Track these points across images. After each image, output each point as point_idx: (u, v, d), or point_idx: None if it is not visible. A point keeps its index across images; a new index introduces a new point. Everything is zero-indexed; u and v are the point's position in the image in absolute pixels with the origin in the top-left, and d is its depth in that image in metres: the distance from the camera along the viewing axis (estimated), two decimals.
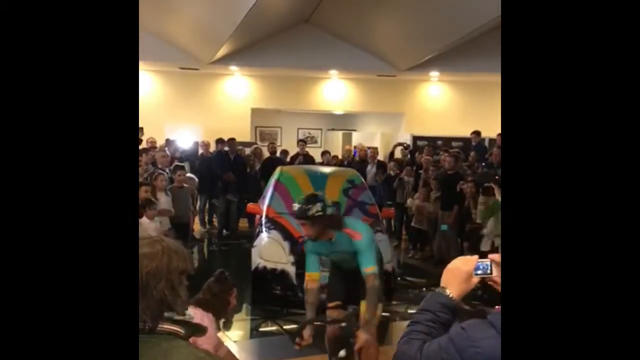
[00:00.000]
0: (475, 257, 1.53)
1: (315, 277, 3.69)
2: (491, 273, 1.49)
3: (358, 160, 11.13)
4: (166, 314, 1.42)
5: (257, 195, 9.24)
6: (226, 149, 10.02)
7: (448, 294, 1.50)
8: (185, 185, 7.23)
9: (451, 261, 1.56)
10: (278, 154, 10.89)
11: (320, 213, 3.45)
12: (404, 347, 1.45)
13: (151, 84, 13.03)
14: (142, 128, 9.63)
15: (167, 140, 10.54)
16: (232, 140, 10.15)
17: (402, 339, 1.48)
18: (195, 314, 3.38)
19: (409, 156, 11.18)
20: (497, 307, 1.36)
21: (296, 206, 3.53)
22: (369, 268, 3.47)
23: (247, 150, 10.92)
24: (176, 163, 8.32)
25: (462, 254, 7.33)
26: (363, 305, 3.64)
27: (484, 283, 1.53)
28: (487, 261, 1.50)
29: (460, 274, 1.51)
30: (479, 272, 1.50)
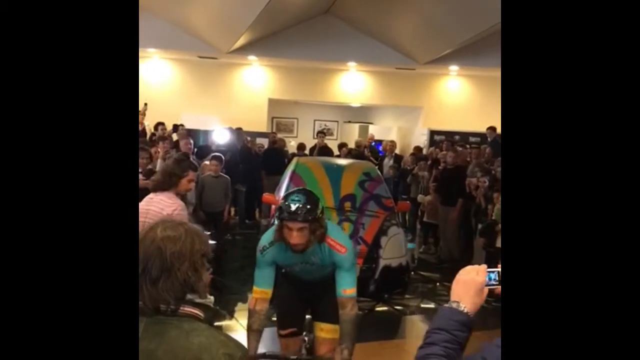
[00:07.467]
0: (484, 266, 1.40)
1: (267, 294, 2.87)
2: (500, 284, 1.36)
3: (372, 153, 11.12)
4: (187, 297, 1.44)
5: (262, 186, 9.25)
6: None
7: (463, 308, 1.34)
8: (221, 174, 7.23)
9: (462, 268, 1.41)
10: (295, 146, 10.96)
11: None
12: None
13: (169, 72, 13.09)
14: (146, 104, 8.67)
15: (207, 132, 10.19)
16: (239, 129, 10.13)
17: None
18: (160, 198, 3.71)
19: (427, 148, 11.11)
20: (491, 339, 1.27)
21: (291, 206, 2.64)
22: (349, 290, 2.75)
23: (265, 141, 10.99)
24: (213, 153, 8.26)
25: (469, 250, 7.32)
26: (325, 329, 3.01)
27: (493, 295, 1.40)
28: (496, 270, 1.37)
29: (475, 285, 1.36)
30: (491, 282, 1.37)
